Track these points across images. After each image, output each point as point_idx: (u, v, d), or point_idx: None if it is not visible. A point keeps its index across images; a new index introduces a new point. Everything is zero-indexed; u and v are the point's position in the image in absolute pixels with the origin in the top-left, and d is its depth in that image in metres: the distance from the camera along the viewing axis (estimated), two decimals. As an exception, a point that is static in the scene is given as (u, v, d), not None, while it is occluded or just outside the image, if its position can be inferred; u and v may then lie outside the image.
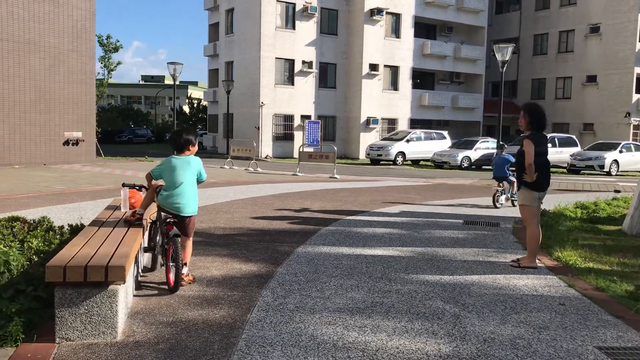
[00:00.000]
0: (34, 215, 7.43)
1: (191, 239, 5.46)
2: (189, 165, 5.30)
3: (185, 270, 5.37)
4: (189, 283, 5.42)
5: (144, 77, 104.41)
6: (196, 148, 5.48)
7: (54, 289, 4.00)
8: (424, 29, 39.66)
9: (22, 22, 20.62)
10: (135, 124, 61.89)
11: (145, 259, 6.22)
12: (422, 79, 40.30)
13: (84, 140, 22.99)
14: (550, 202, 12.21)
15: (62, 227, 6.04)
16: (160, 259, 5.67)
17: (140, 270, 5.70)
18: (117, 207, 6.31)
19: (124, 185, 5.94)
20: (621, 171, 26.88)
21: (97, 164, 23.31)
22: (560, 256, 6.94)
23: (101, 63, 30.22)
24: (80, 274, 3.91)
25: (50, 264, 3.94)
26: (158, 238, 5.65)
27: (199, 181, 5.42)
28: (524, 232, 7.23)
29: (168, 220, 5.36)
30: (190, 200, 5.29)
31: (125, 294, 4.33)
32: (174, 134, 5.45)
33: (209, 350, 3.85)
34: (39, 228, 5.74)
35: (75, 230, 5.88)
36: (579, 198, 13.26)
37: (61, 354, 3.75)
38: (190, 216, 5.31)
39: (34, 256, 4.97)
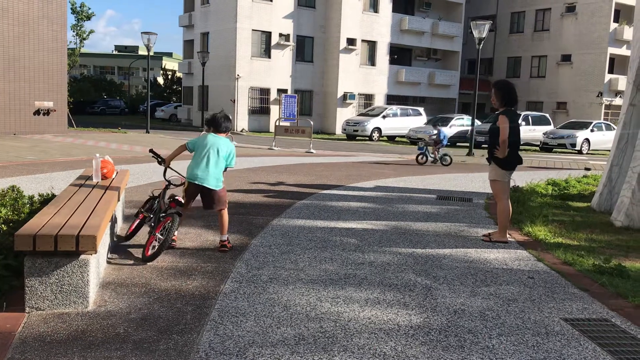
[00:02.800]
0: (2, 185, 7.28)
1: (225, 210, 5.72)
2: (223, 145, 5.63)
3: (225, 237, 5.72)
4: (230, 249, 5.72)
5: (117, 47, 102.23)
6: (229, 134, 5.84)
7: (23, 258, 3.94)
8: (402, 4, 39.43)
9: (-11, -14, 19.93)
10: (109, 95, 60.71)
11: (119, 228, 6.17)
12: (400, 55, 40.20)
13: (55, 110, 22.50)
14: (522, 178, 12.40)
15: (32, 196, 5.93)
16: (147, 229, 5.70)
17: (114, 239, 5.66)
18: (89, 177, 6.22)
19: (151, 151, 5.93)
20: (592, 150, 27.35)
21: (69, 134, 22.88)
22: (531, 231, 7.07)
23: (73, 31, 29.48)
24: (50, 244, 3.85)
25: (19, 232, 3.87)
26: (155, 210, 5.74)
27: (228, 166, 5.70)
28: (496, 208, 7.33)
29: (176, 198, 5.57)
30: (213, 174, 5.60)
31: (96, 264, 4.29)
32: (221, 117, 5.75)
33: (182, 320, 3.86)
34: (7, 197, 5.63)
35: (46, 199, 5.78)
36: (551, 175, 13.49)
37: (31, 323, 3.72)
38: (215, 190, 5.57)
39: (3, 225, 4.88)
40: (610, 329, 4.02)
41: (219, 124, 5.68)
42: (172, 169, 5.88)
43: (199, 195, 5.60)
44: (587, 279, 5.20)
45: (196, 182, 5.50)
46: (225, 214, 5.72)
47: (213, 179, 5.53)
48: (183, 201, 5.64)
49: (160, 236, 5.19)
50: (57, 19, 22.23)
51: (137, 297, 4.26)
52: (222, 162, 5.57)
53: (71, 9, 28.84)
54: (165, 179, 5.83)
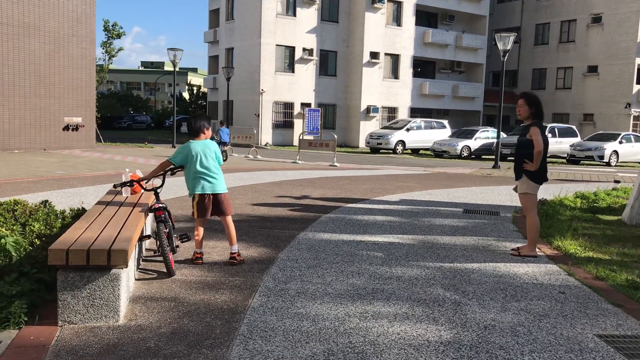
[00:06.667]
0: (34, 200, 7.43)
1: (230, 217, 5.74)
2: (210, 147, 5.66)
3: (235, 248, 5.72)
4: (240, 262, 5.70)
5: (143, 63, 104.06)
6: (210, 132, 5.73)
7: (56, 272, 4.01)
8: (425, 17, 39.47)
9: (21, 5, 20.49)
10: (135, 110, 61.75)
11: (148, 243, 6.23)
12: (423, 68, 40.17)
13: (83, 126, 22.95)
14: (550, 191, 12.23)
15: (64, 211, 6.04)
16: (176, 242, 5.75)
17: (142, 254, 5.72)
18: (119, 192, 6.31)
19: (114, 186, 5.89)
20: (621, 162, 26.88)
21: (96, 149, 23.28)
22: (560, 245, 6.96)
23: (103, 48, 30.09)
24: (82, 258, 3.91)
25: (53, 247, 3.94)
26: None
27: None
28: (524, 221, 7.23)
29: (159, 206, 5.42)
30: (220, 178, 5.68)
31: (127, 278, 4.34)
32: (189, 121, 5.76)
33: (211, 334, 3.87)
34: (40, 212, 5.74)
35: (77, 214, 5.89)
36: (579, 188, 13.28)
37: (64, 336, 3.77)
38: (222, 193, 5.64)
39: (36, 240, 4.97)
40: (647, 346, 3.92)
41: (191, 128, 5.67)
42: (142, 179, 5.75)
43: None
44: (620, 295, 5.09)
45: (209, 193, 5.53)
46: (232, 221, 5.74)
47: (222, 184, 5.63)
48: (194, 216, 5.64)
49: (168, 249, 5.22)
50: (86, 36, 22.74)
51: (167, 311, 4.29)
52: (218, 164, 5.65)
53: (104, 26, 29.54)
54: (148, 190, 5.82)
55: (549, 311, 4.59)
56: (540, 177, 6.37)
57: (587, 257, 6.46)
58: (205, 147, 5.57)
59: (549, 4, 42.35)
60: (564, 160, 27.79)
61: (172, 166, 5.58)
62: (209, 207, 5.59)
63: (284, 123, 35.03)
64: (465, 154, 28.57)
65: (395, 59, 37.38)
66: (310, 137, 25.11)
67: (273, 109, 34.43)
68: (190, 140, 5.61)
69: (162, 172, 5.61)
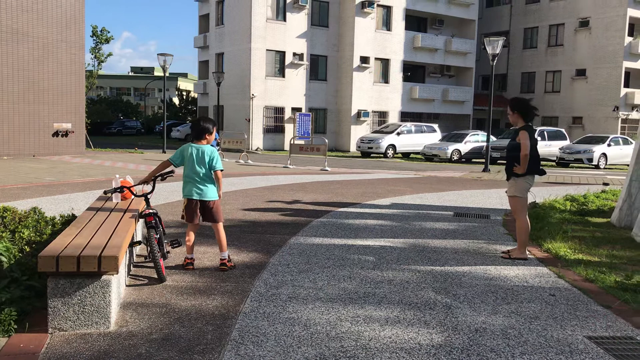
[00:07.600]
0: (24, 206, 7.38)
1: (221, 224, 5.69)
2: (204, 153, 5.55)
3: (225, 254, 5.67)
4: (231, 268, 5.69)
5: (133, 69, 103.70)
6: (213, 137, 5.67)
7: (46, 278, 3.98)
8: (415, 21, 39.65)
9: (9, 10, 20.37)
10: (125, 115, 61.48)
11: (138, 249, 6.21)
12: (413, 72, 40.32)
13: (73, 132, 22.81)
14: (540, 194, 12.31)
15: (54, 217, 6.01)
16: (167, 247, 5.73)
17: (133, 260, 5.69)
18: (109, 198, 6.28)
19: (105, 192, 5.86)
20: (609, 164, 27.11)
21: (86, 155, 23.15)
22: (550, 248, 7.01)
23: (92, 54, 29.90)
24: (73, 264, 3.89)
25: (43, 254, 3.92)
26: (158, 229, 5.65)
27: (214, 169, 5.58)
28: (514, 224, 7.27)
29: (149, 212, 5.41)
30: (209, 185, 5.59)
31: (118, 284, 4.32)
32: (197, 123, 5.64)
33: (203, 340, 3.86)
34: (29, 218, 5.70)
35: (67, 220, 5.85)
36: (569, 191, 13.37)
37: (54, 344, 3.74)
38: (211, 200, 5.57)
39: (26, 246, 4.94)
40: (636, 347, 3.96)
41: (194, 131, 5.61)
42: (141, 181, 5.75)
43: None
44: (609, 296, 5.13)
45: (195, 199, 5.51)
46: (222, 228, 5.70)
47: (211, 191, 5.56)
48: (184, 220, 5.65)
49: (158, 254, 5.21)
50: (75, 42, 22.63)
51: (158, 317, 4.28)
52: (210, 170, 5.53)
53: (92, 31, 29.34)
54: (139, 195, 5.81)
55: (539, 313, 4.62)
56: (533, 169, 6.43)
57: (577, 259, 6.51)
58: (200, 153, 5.50)
59: (537, 8, 42.68)
60: (554, 164, 27.97)
61: (166, 170, 5.61)
62: (197, 212, 5.58)
63: (275, 128, 35.01)
64: (455, 158, 28.68)
65: (385, 63, 37.50)
66: (301, 142, 25.13)
67: (264, 114, 34.41)
68: (190, 143, 5.60)
69: (159, 174, 5.62)
